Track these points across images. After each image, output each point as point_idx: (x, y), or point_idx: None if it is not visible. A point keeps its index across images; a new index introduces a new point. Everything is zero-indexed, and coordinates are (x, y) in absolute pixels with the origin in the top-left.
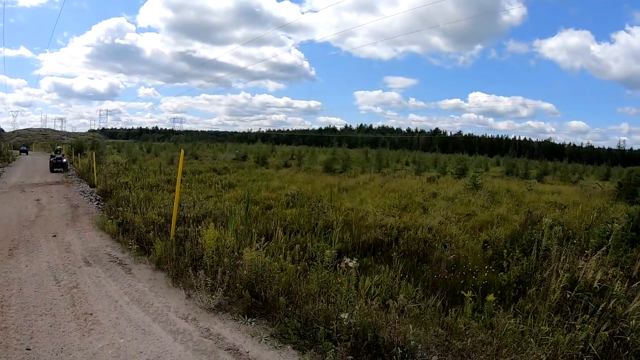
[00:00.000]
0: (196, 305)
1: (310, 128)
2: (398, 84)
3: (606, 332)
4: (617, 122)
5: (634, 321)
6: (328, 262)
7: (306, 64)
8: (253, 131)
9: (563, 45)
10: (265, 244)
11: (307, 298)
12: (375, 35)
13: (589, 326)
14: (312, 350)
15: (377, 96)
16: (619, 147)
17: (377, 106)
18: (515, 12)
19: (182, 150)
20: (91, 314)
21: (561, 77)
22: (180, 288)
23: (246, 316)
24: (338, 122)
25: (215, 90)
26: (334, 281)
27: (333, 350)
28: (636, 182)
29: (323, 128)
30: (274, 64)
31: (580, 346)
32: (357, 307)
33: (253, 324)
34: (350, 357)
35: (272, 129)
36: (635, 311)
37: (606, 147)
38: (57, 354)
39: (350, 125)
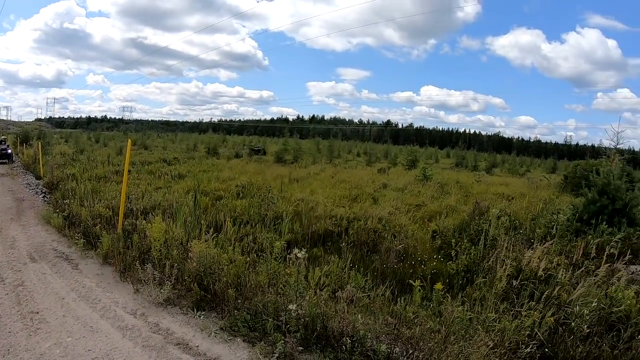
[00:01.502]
0: (145, 300)
1: (263, 118)
2: (351, 75)
3: (552, 318)
4: (565, 118)
5: (577, 307)
6: (277, 254)
7: (259, 54)
8: (204, 121)
9: (515, 43)
10: (214, 235)
11: (257, 290)
12: (330, 26)
13: (535, 312)
14: (262, 342)
15: (330, 87)
16: (565, 142)
17: (329, 97)
18: (469, 9)
19: (129, 140)
20: (37, 312)
21: (512, 73)
22: (128, 282)
23: (195, 310)
24: (290, 113)
25: (166, 78)
26: (283, 272)
27: (282, 341)
28: (581, 175)
29: (275, 118)
30: (227, 52)
31: (527, 332)
32: (306, 298)
33: (202, 317)
34: (300, 348)
35: (223, 118)
36: (580, 297)
37: (553, 142)
38: (3, 356)
39: (302, 116)
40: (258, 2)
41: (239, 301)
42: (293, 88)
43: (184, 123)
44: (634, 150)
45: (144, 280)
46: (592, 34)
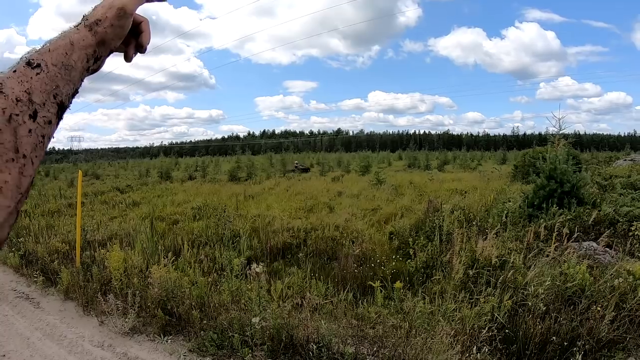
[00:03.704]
0: (110, 331)
1: (213, 138)
2: (299, 87)
3: (509, 301)
4: (511, 110)
5: (532, 287)
6: (238, 271)
7: (206, 72)
8: (155, 145)
9: (457, 42)
10: (174, 259)
11: (221, 308)
12: (275, 40)
13: (493, 298)
14: (231, 359)
15: (279, 101)
16: (513, 133)
17: (278, 111)
18: (411, 14)
19: (80, 171)
20: (4, 355)
21: (456, 72)
22: (92, 315)
23: (162, 335)
24: (241, 130)
25: (113, 104)
26: (245, 289)
27: (250, 355)
28: (529, 163)
29: (226, 137)
30: (173, 73)
31: (487, 317)
32: (269, 310)
33: (170, 341)
34: (269, 359)
35: (174, 141)
36: (534, 278)
37: (502, 134)
38: None
39: (253, 132)
40: (201, 20)
41: (205, 321)
42: (242, 105)
43: (134, 149)
44: (578, 133)
45: (108, 312)
46: (531, 27)
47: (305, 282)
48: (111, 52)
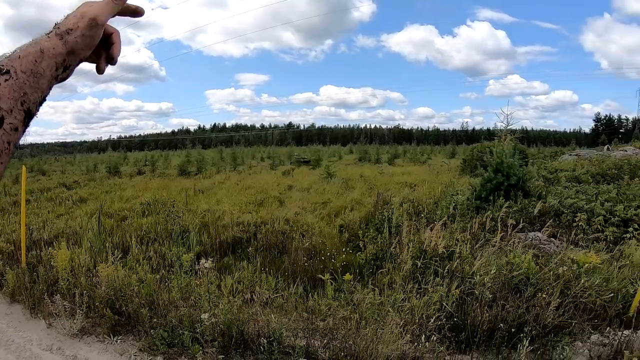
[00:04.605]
0: (59, 334)
1: (163, 131)
2: (250, 80)
3: (457, 290)
4: (460, 106)
5: (478, 277)
6: (187, 267)
7: (156, 64)
8: (103, 139)
9: (409, 39)
10: (121, 256)
11: (170, 306)
12: (227, 32)
13: (441, 287)
14: (182, 356)
15: (230, 94)
16: (462, 128)
17: (230, 104)
18: (365, 9)
19: (23, 167)
20: None
21: (408, 68)
22: (40, 318)
23: (112, 335)
24: (191, 123)
25: (59, 96)
26: (195, 285)
27: (201, 352)
28: (477, 157)
29: (176, 130)
30: (123, 64)
31: (436, 306)
32: (219, 306)
33: (119, 342)
34: (221, 356)
35: (123, 135)
36: (481, 267)
37: (451, 129)
38: None
39: (203, 126)
40: (153, 9)
41: (154, 320)
42: (193, 98)
43: (82, 143)
44: (526, 129)
45: (56, 313)
46: (482, 26)
47: (256, 276)
48: (80, 61)
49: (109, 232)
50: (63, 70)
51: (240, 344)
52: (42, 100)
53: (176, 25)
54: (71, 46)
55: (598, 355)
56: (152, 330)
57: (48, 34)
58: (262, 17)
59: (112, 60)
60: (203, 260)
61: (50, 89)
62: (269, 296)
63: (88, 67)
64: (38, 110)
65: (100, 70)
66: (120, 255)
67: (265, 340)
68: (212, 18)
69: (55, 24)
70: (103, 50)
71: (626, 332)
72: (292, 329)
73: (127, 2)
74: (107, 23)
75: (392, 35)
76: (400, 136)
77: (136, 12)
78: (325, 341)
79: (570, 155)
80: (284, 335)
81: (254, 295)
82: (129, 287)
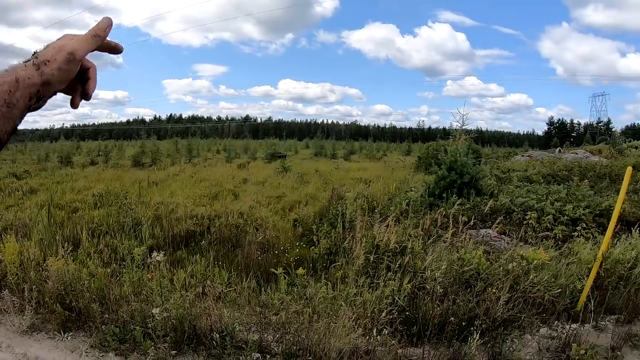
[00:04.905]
0: (8, 331)
1: (118, 121)
2: (208, 71)
3: (409, 285)
4: (417, 105)
5: (430, 271)
6: (139, 261)
7: None
8: (56, 127)
9: (370, 37)
10: (72, 250)
11: (122, 300)
12: (187, 20)
13: (393, 282)
14: (134, 353)
15: (187, 84)
16: (418, 126)
17: (187, 95)
18: (328, 4)
19: None
20: None
21: (367, 65)
22: None
23: (62, 332)
24: (147, 113)
25: None
26: (146, 279)
27: (153, 348)
28: (432, 155)
29: (131, 120)
30: None
31: (389, 300)
32: (171, 300)
33: (70, 338)
34: (173, 352)
35: (76, 123)
36: (432, 262)
37: (408, 127)
38: None
39: (159, 116)
40: None
41: (106, 315)
42: (149, 87)
43: (33, 131)
44: (481, 129)
45: (4, 310)
46: (442, 28)
47: (209, 270)
48: (55, 93)
49: (60, 224)
50: (36, 101)
51: (192, 339)
52: (14, 129)
53: (135, 12)
54: (47, 78)
55: (547, 348)
56: (103, 326)
57: (26, 62)
58: (225, 6)
59: (86, 96)
60: (155, 254)
61: (22, 118)
62: (222, 290)
63: None
64: (9, 140)
65: (74, 105)
66: (70, 249)
67: (217, 335)
68: (173, 5)
69: (34, 53)
70: (79, 85)
71: (574, 325)
72: (245, 323)
73: (107, 39)
74: (86, 57)
75: (354, 32)
76: (357, 132)
77: (115, 48)
78: (278, 335)
79: (523, 156)
80: (237, 329)
81: (206, 290)
82: (79, 282)
